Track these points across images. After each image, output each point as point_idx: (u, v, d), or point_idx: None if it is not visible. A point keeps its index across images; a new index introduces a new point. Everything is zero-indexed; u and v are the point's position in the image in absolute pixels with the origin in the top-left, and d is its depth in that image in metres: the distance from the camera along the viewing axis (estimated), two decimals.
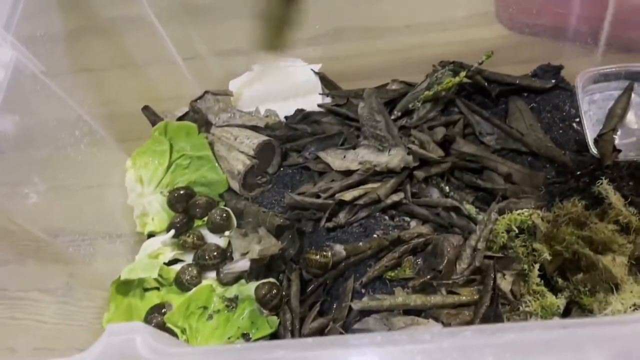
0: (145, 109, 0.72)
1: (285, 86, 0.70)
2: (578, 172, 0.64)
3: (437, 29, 0.79)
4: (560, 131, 0.67)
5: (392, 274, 0.57)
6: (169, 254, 0.65)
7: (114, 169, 0.68)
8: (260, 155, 0.67)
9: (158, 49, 0.69)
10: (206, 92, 0.71)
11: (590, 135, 0.66)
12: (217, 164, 0.66)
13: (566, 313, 0.53)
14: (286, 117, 0.71)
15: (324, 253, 0.57)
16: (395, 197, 0.60)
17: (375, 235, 0.59)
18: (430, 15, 0.78)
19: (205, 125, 0.69)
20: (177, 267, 0.64)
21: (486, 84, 0.69)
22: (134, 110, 0.74)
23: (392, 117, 0.68)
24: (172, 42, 0.69)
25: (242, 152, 0.65)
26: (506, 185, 0.63)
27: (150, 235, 0.68)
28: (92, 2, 0.66)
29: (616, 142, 0.66)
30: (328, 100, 0.71)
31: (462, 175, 0.65)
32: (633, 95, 0.69)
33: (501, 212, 0.60)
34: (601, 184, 0.58)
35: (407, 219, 0.61)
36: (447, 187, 0.61)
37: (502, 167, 0.64)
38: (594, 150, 0.65)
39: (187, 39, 0.72)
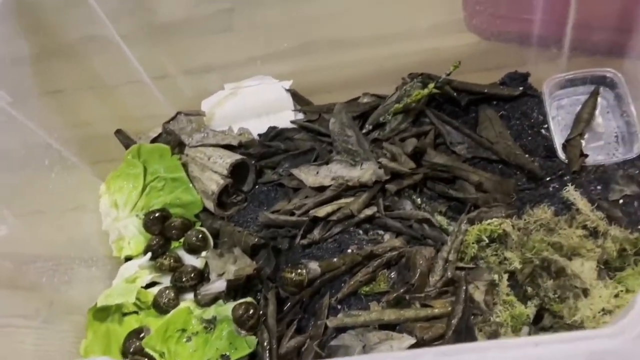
0: (118, 132, 0.72)
1: (257, 104, 0.70)
2: (547, 178, 0.66)
3: (406, 39, 0.80)
4: (529, 138, 0.69)
5: (367, 289, 0.57)
6: (147, 277, 0.65)
7: (88, 194, 0.68)
8: (234, 174, 0.67)
9: (126, 69, 0.69)
10: (178, 112, 0.71)
11: (558, 141, 0.67)
12: (191, 185, 0.66)
13: (538, 320, 0.54)
14: (259, 135, 0.71)
15: (299, 271, 0.58)
16: (369, 211, 0.61)
17: (349, 251, 0.60)
18: (399, 25, 0.79)
19: (178, 146, 0.69)
20: (155, 289, 0.64)
21: (455, 94, 0.70)
22: (106, 132, 0.74)
23: (364, 130, 0.69)
24: (139, 62, 0.68)
25: (215, 172, 0.66)
26: (477, 194, 0.64)
27: (127, 259, 0.68)
28: (56, 25, 0.66)
29: (584, 146, 0.68)
30: (301, 116, 0.72)
31: (435, 186, 0.66)
32: (599, 99, 0.70)
33: (473, 222, 0.61)
34: (568, 190, 0.60)
35: (381, 232, 0.62)
36: (419, 199, 0.62)
37: (473, 176, 0.65)
38: (562, 155, 0.66)
39: (155, 58, 0.72)
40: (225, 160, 0.65)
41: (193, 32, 0.75)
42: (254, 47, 0.77)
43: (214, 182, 0.65)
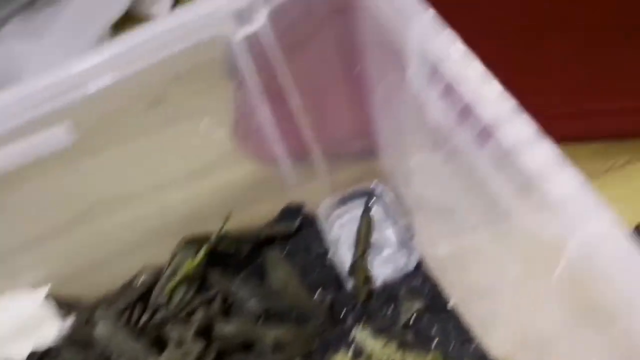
0: None
1: (10, 326, 0.61)
2: (343, 313, 0.64)
3: (183, 185, 0.75)
4: (317, 272, 0.67)
5: None
6: None
7: None
8: None
9: None
10: None
11: (344, 268, 0.67)
12: None
13: None
14: None
15: None
16: None
17: None
18: (172, 173, 0.74)
19: None
20: None
21: (233, 248, 0.67)
22: None
23: (144, 318, 0.63)
24: None
25: None
26: (276, 354, 0.60)
27: None
28: None
29: (371, 264, 0.68)
30: (69, 324, 0.63)
31: (232, 357, 0.61)
32: (374, 209, 0.72)
33: None
34: (355, 332, 0.58)
35: None
36: None
37: (268, 335, 0.61)
38: (349, 284, 0.65)
39: None
40: None
41: None
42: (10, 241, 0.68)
43: None
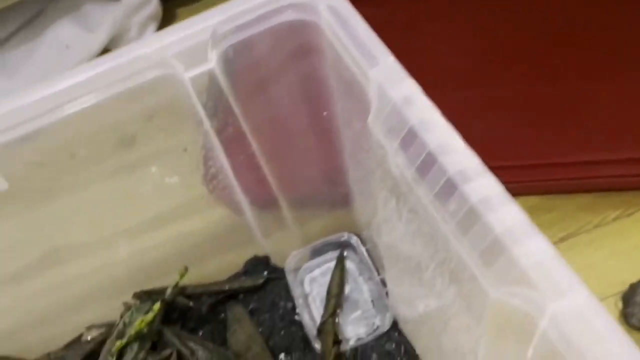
0: None
1: None
2: None
3: (146, 230, 0.71)
4: (282, 332, 0.61)
5: None
6: None
7: None
8: None
9: None
10: None
11: (316, 323, 0.62)
12: None
13: None
14: None
15: None
16: None
17: None
18: (129, 220, 0.69)
19: None
20: None
21: (191, 302, 0.62)
22: None
23: None
24: None
25: None
26: None
27: None
28: None
29: (344, 321, 0.63)
30: None
31: None
32: (348, 263, 0.67)
33: None
34: None
35: None
36: None
37: None
38: (317, 346, 0.60)
39: None
40: None
41: None
42: None
43: None
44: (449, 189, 0.31)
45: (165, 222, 0.66)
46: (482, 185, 0.30)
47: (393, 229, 0.48)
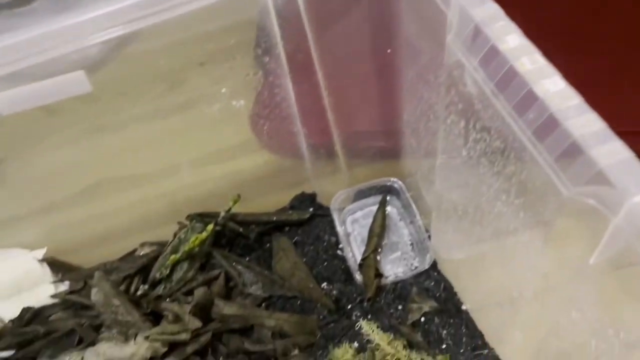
0: None
1: (5, 284, 0.58)
2: (349, 306, 0.61)
3: (196, 167, 0.74)
4: (325, 263, 0.64)
5: None
6: None
7: None
8: None
9: None
10: None
11: (356, 260, 0.64)
12: None
13: None
14: (12, 321, 0.59)
15: None
16: None
17: None
18: (186, 155, 0.73)
19: None
20: None
21: (241, 228, 0.65)
22: None
23: (141, 291, 0.60)
24: None
25: None
26: (275, 342, 0.57)
27: None
28: None
29: (382, 261, 0.65)
30: (64, 287, 0.61)
31: (229, 340, 0.58)
32: (389, 208, 0.69)
33: None
34: (362, 324, 0.55)
35: None
36: None
37: (268, 321, 0.58)
38: (359, 278, 0.62)
39: None
40: None
41: None
42: (16, 206, 0.66)
43: None
44: (527, 100, 0.33)
45: (220, 159, 0.69)
46: (561, 95, 0.32)
47: (452, 176, 0.49)
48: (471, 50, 0.37)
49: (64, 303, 0.58)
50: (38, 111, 0.64)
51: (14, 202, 0.65)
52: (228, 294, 0.62)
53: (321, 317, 0.59)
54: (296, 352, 0.55)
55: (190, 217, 0.64)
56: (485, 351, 0.53)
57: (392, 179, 0.69)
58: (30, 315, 0.58)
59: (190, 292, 0.61)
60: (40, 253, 0.60)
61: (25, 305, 0.58)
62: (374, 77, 0.56)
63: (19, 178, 0.67)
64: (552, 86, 0.33)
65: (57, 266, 0.61)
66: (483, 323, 0.55)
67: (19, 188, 0.67)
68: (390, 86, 0.57)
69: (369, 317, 0.57)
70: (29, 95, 0.44)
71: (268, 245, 0.66)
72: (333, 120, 0.58)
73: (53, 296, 0.59)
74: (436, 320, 0.58)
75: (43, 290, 0.59)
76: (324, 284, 0.62)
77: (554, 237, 0.33)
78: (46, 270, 0.59)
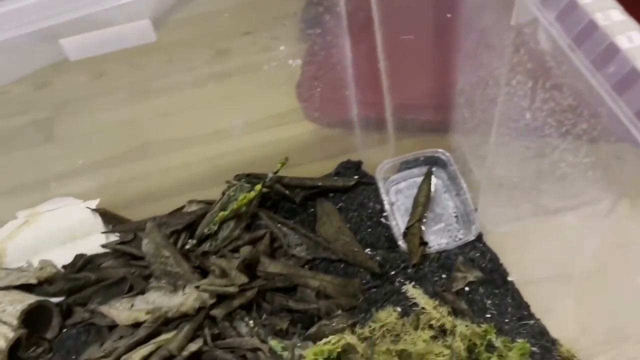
0: None
1: (60, 230, 0.60)
2: (392, 272, 0.62)
3: (241, 133, 0.75)
4: (369, 229, 0.64)
5: None
6: None
7: None
8: (31, 321, 0.56)
9: None
10: None
11: (398, 229, 0.64)
12: None
13: None
14: (65, 267, 0.60)
15: None
16: (193, 346, 0.52)
17: None
18: (232, 120, 0.74)
19: None
20: None
21: (287, 191, 0.66)
22: None
23: (188, 246, 0.61)
24: None
25: (4, 323, 0.54)
26: (319, 302, 0.58)
27: None
28: None
29: (425, 231, 0.65)
30: (114, 237, 0.62)
31: (273, 298, 0.59)
32: (434, 179, 0.69)
33: (314, 339, 0.54)
34: (408, 288, 0.55)
35: None
36: (251, 322, 0.54)
37: (312, 282, 0.59)
38: (403, 245, 0.62)
39: None
40: (16, 306, 0.54)
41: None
42: (70, 159, 0.68)
43: (1, 337, 0.53)
44: (608, 53, 0.32)
45: (267, 126, 0.70)
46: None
47: (505, 152, 0.49)
48: (546, 5, 0.37)
49: (115, 253, 0.60)
50: (85, 74, 0.66)
51: (66, 157, 0.67)
52: (272, 255, 0.63)
53: (364, 281, 0.60)
54: (339, 312, 0.56)
55: (239, 177, 0.65)
56: (532, 322, 0.53)
57: (439, 150, 0.68)
58: (83, 262, 0.60)
59: (235, 250, 0.62)
60: (94, 203, 0.61)
61: (79, 252, 0.60)
62: (432, 43, 0.55)
63: (69, 134, 0.69)
64: (633, 40, 0.32)
65: (109, 217, 0.62)
66: (530, 295, 0.55)
67: (69, 144, 0.69)
68: (447, 53, 0.56)
69: (413, 283, 0.58)
70: (96, 42, 0.44)
71: (312, 210, 0.67)
72: (387, 87, 0.58)
73: (104, 246, 0.60)
74: (480, 290, 0.57)
75: (95, 240, 0.60)
76: (367, 250, 0.62)
77: (630, 194, 0.32)
78: (98, 220, 0.61)
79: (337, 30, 0.51)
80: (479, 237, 0.62)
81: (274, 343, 0.51)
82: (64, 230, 0.60)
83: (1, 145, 0.63)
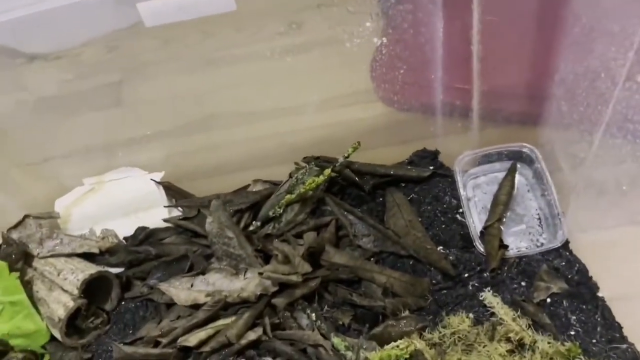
0: None
1: (124, 201, 0.59)
2: (466, 275, 0.57)
3: (311, 111, 0.71)
4: (443, 226, 0.59)
5: None
6: None
7: None
8: (92, 290, 0.55)
9: None
10: (26, 216, 0.58)
11: (475, 228, 0.59)
12: (32, 310, 0.53)
13: None
14: (126, 238, 0.60)
15: None
16: (252, 335, 0.49)
17: None
18: (303, 97, 0.70)
19: (24, 258, 0.57)
20: None
21: (357, 177, 0.62)
22: None
23: (252, 228, 0.59)
24: None
25: (65, 291, 0.53)
26: (385, 300, 0.54)
27: None
28: None
29: (504, 232, 0.60)
30: (177, 212, 0.61)
31: (336, 290, 0.56)
32: (517, 176, 0.63)
33: (379, 339, 0.51)
34: (486, 295, 0.51)
35: (269, 359, 0.50)
36: (313, 315, 0.51)
37: (380, 278, 0.55)
38: (480, 246, 0.57)
39: None
40: (77, 275, 0.53)
41: (67, 111, 0.64)
42: (137, 127, 0.67)
43: (61, 306, 0.52)
44: None
45: (341, 106, 0.66)
46: None
47: (609, 155, 0.43)
48: None
49: (177, 228, 0.58)
50: (156, 39, 0.64)
51: (132, 123, 0.66)
52: (337, 244, 0.60)
53: (434, 281, 0.56)
54: (406, 313, 0.52)
55: (308, 159, 0.62)
56: (624, 346, 0.47)
57: (525, 145, 0.63)
58: (144, 236, 0.58)
59: (299, 235, 0.59)
60: (158, 176, 0.60)
61: (141, 224, 0.58)
62: (534, 25, 0.49)
63: (137, 100, 0.68)
64: None
65: (173, 191, 0.61)
66: (623, 314, 0.49)
67: (135, 110, 0.68)
68: (550, 37, 0.50)
69: (489, 289, 0.53)
70: (174, 8, 0.42)
71: (381, 199, 0.63)
72: (477, 71, 0.52)
73: (166, 220, 0.59)
74: (565, 303, 0.52)
75: (157, 213, 0.59)
76: (440, 248, 0.58)
77: None
78: (162, 193, 0.59)
79: (430, 7, 0.46)
80: (565, 245, 0.56)
81: (337, 341, 0.48)
82: (127, 201, 0.59)
83: (73, 107, 0.63)
